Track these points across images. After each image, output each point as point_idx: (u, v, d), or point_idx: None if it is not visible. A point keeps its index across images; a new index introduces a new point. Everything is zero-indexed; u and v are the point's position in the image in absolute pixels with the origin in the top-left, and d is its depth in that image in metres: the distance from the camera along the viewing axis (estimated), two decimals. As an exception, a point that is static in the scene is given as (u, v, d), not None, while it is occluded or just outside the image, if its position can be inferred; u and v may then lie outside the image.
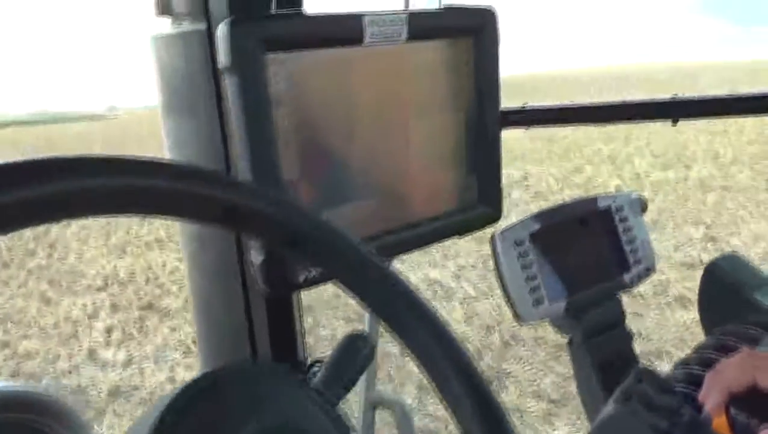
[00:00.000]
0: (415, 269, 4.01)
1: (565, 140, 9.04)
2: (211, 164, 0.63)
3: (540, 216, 0.84)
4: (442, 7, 0.67)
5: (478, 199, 0.76)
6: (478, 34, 0.70)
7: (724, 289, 0.88)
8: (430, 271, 4.05)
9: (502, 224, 0.80)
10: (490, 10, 0.70)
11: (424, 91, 0.68)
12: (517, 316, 0.81)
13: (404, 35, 0.63)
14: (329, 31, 0.59)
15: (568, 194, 5.99)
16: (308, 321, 3.43)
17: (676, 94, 0.90)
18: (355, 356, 0.44)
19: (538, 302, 0.82)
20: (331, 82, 0.60)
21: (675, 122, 0.90)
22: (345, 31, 0.60)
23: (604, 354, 0.87)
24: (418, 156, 0.69)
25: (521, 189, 6.31)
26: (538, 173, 7.11)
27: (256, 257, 0.58)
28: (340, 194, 0.63)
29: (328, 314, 3.49)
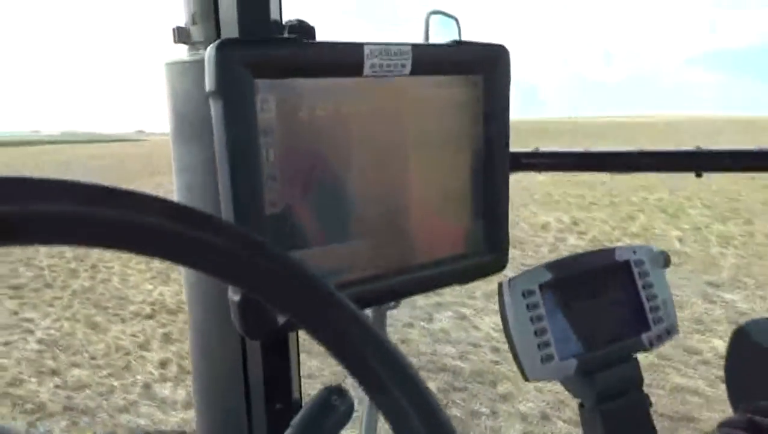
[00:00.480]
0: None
1: (604, 186, 8.94)
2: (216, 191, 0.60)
3: (553, 266, 0.78)
4: (451, 41, 0.64)
5: (484, 245, 0.71)
6: (488, 71, 0.66)
7: (754, 356, 0.80)
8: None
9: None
10: (502, 48, 0.67)
11: (429, 128, 0.64)
12: (524, 373, 0.75)
13: (408, 68, 0.60)
14: (326, 59, 0.55)
15: (627, 243, 5.76)
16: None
17: (699, 147, 0.85)
18: (328, 414, 0.39)
19: (547, 359, 0.75)
20: (326, 114, 0.57)
21: (699, 174, 0.84)
22: (343, 60, 0.56)
23: (618, 421, 0.79)
24: (420, 197, 0.64)
25: (575, 235, 6.14)
26: (586, 219, 6.96)
27: (232, 296, 0.54)
28: (331, 233, 0.59)
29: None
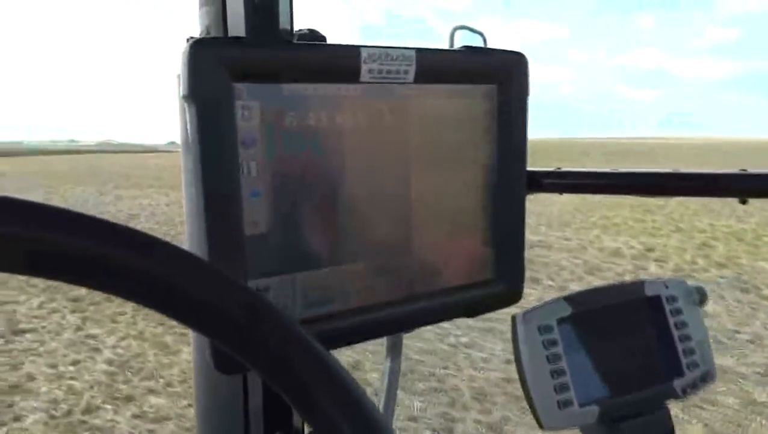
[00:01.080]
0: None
1: (662, 210, 8.69)
2: None
3: (573, 299, 0.70)
4: (462, 47, 0.58)
5: (496, 274, 0.63)
6: (503, 81, 0.59)
7: None
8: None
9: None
10: (519, 55, 0.60)
11: (435, 142, 0.57)
12: (539, 420, 0.67)
13: (411, 75, 0.53)
14: (317, 63, 0.49)
15: (716, 274, 5.54)
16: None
17: (744, 169, 0.77)
18: None
19: (565, 404, 0.67)
20: (318, 124, 0.50)
21: (744, 200, 0.75)
22: (337, 64, 0.50)
23: (645, 477, 0.71)
24: (423, 219, 0.58)
25: (653, 263, 5.82)
26: (657, 245, 6.66)
27: None
28: (322, 257, 0.53)
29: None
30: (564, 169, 0.77)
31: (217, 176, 0.46)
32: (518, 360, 0.67)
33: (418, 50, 0.53)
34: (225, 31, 0.61)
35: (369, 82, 0.52)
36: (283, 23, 0.65)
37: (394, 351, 0.76)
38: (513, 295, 0.64)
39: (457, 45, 1.06)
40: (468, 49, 0.57)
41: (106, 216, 0.28)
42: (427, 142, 0.56)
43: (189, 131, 0.45)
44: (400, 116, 0.55)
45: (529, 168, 0.79)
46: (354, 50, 0.50)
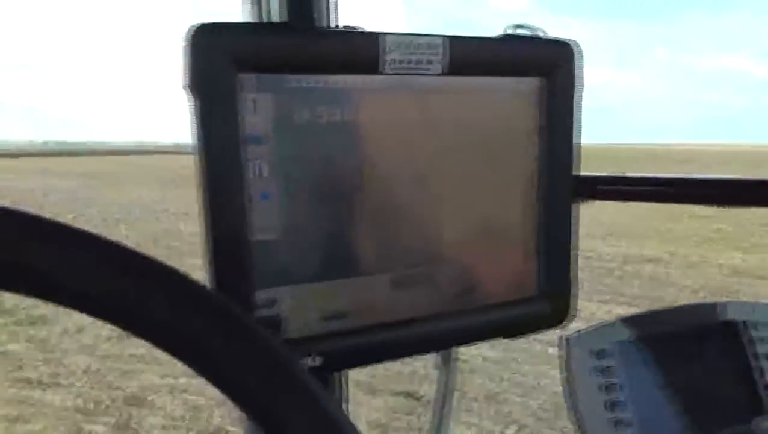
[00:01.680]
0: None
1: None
2: None
3: (633, 321, 0.62)
4: (502, 34, 0.51)
5: (539, 291, 0.56)
6: (550, 74, 0.53)
7: None
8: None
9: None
10: (570, 43, 0.53)
11: (468, 142, 0.51)
12: None
13: (440, 66, 0.48)
14: (332, 51, 0.45)
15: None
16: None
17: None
18: None
19: (622, 441, 0.59)
20: (335, 120, 0.46)
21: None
22: (355, 53, 0.46)
23: None
24: (454, 228, 0.52)
25: None
26: None
27: None
28: (336, 267, 0.48)
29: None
30: (622, 174, 0.69)
31: (221, 175, 0.42)
32: (567, 388, 0.60)
33: (448, 38, 0.48)
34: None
35: (391, 74, 0.47)
36: (321, 20, 0.61)
37: (447, 365, 0.70)
38: (559, 314, 0.57)
39: None
40: (508, 38, 0.51)
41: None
42: (459, 141, 0.51)
43: (192, 127, 0.42)
44: (427, 111, 0.49)
45: (582, 173, 0.72)
46: (373, 38, 0.45)
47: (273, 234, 0.45)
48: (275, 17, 0.53)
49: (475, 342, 0.56)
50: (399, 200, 0.49)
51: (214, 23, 0.41)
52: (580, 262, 0.58)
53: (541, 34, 0.94)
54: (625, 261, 6.15)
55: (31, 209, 0.21)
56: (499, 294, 0.55)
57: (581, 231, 0.56)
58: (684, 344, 0.62)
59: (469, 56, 0.49)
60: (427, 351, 0.52)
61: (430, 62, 0.48)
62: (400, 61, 0.47)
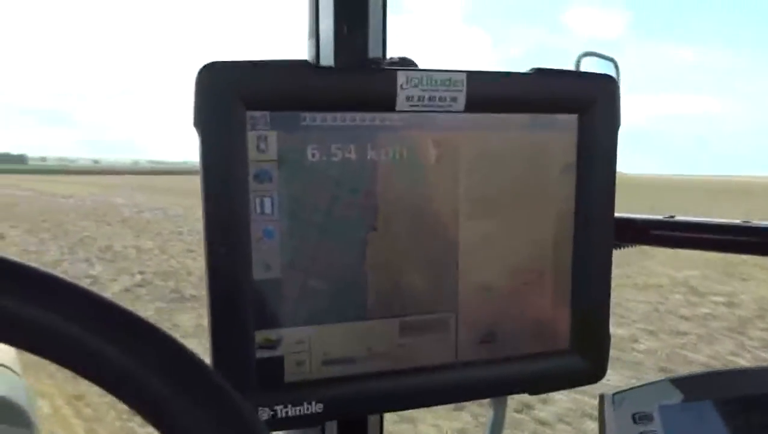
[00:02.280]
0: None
1: None
2: None
3: (684, 382, 0.56)
4: (532, 69, 0.48)
5: (571, 344, 0.52)
6: (586, 110, 0.49)
7: None
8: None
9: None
10: (608, 79, 0.49)
11: (491, 183, 0.48)
12: None
13: (461, 103, 0.45)
14: (344, 89, 0.43)
15: None
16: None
17: None
18: None
19: None
20: (346, 159, 0.44)
21: None
22: (368, 91, 0.44)
23: None
24: (474, 274, 0.48)
25: None
26: None
27: None
28: (342, 309, 0.46)
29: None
30: (679, 218, 0.63)
31: (225, 211, 0.42)
32: (602, 452, 0.55)
33: (471, 73, 0.45)
34: (317, 59, 0.56)
35: (408, 111, 0.45)
36: (373, 51, 0.60)
37: (498, 409, 0.67)
38: (593, 370, 0.52)
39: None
40: (538, 72, 0.47)
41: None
42: (481, 182, 0.48)
43: (199, 162, 0.41)
44: (447, 151, 0.46)
45: (633, 215, 0.66)
46: (389, 74, 0.43)
47: (276, 273, 0.44)
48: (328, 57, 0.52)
49: (498, 395, 0.52)
50: (414, 243, 0.47)
51: (224, 62, 0.41)
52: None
53: (612, 64, 0.88)
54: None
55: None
56: (525, 346, 0.51)
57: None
58: (744, 411, 0.55)
59: (494, 93, 0.46)
60: (438, 403, 0.49)
61: (452, 99, 0.45)
62: (419, 98, 0.44)
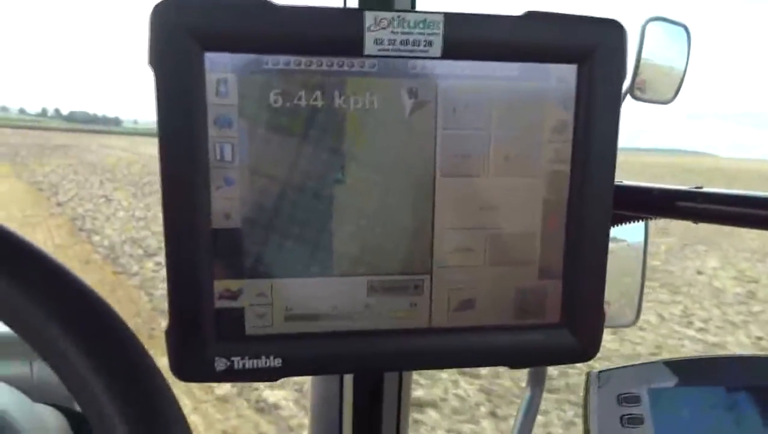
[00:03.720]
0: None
1: None
2: None
3: (678, 366, 0.51)
4: (524, 12, 0.43)
5: (562, 318, 0.48)
6: (587, 61, 0.44)
7: None
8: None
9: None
10: (612, 24, 0.44)
11: (474, 139, 0.44)
12: None
13: (438, 48, 0.42)
14: (308, 30, 0.41)
15: None
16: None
17: None
18: None
19: None
20: (310, 105, 0.42)
21: None
22: (333, 33, 0.41)
23: None
24: (451, 235, 0.45)
25: None
26: None
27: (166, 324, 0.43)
28: (307, 263, 0.44)
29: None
30: (707, 189, 0.57)
31: (183, 157, 0.40)
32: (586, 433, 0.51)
33: (449, 15, 0.41)
34: None
35: (377, 56, 0.41)
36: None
37: (536, 381, 0.65)
38: (583, 348, 0.48)
39: (652, 41, 0.85)
40: (530, 16, 0.43)
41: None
42: (461, 137, 0.44)
43: (155, 105, 0.40)
44: (423, 101, 0.43)
45: (659, 185, 0.60)
46: (356, 14, 0.40)
47: (236, 223, 0.42)
48: None
49: (474, 366, 0.49)
50: (385, 199, 0.44)
51: (179, 0, 0.39)
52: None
53: (683, 30, 0.80)
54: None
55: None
56: (507, 317, 0.47)
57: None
58: (740, 400, 0.49)
59: (476, 38, 0.42)
60: (405, 369, 0.46)
61: (428, 43, 0.42)
62: (390, 42, 0.41)
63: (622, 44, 0.43)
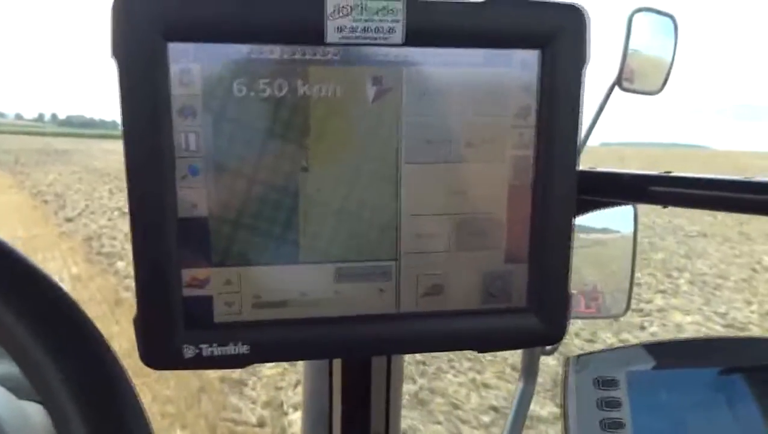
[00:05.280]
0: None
1: None
2: None
3: (656, 349, 0.52)
4: None
5: (528, 302, 0.48)
6: (549, 46, 0.44)
7: None
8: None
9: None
10: (574, 9, 0.44)
11: (436, 126, 0.45)
12: None
13: (399, 35, 0.42)
14: (269, 19, 0.41)
15: None
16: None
17: None
18: None
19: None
20: (274, 94, 0.42)
21: None
22: (295, 21, 0.41)
23: None
24: (416, 221, 0.46)
25: None
26: None
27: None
28: (273, 251, 0.45)
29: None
30: (677, 174, 0.57)
31: (147, 146, 0.41)
32: (564, 419, 0.52)
33: (411, 1, 0.41)
34: None
35: (339, 44, 0.42)
36: None
37: (529, 370, 0.66)
38: (549, 331, 0.48)
39: (639, 32, 0.85)
40: (494, 1, 0.43)
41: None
42: (425, 124, 0.44)
43: (118, 96, 0.41)
44: (386, 88, 0.43)
45: (632, 171, 0.61)
46: (317, 2, 0.41)
47: (202, 212, 0.43)
48: None
49: (441, 350, 0.50)
50: (351, 186, 0.44)
51: None
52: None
53: (670, 20, 0.80)
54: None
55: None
56: (474, 301, 0.48)
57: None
58: (718, 382, 0.50)
59: (438, 24, 0.42)
60: (374, 354, 0.47)
61: (390, 30, 0.42)
62: (351, 29, 0.41)
63: (583, 28, 0.44)
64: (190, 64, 0.41)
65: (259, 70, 0.42)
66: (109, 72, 0.41)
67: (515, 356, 3.14)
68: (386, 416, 0.78)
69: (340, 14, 0.41)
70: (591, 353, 0.52)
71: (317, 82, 0.42)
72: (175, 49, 0.40)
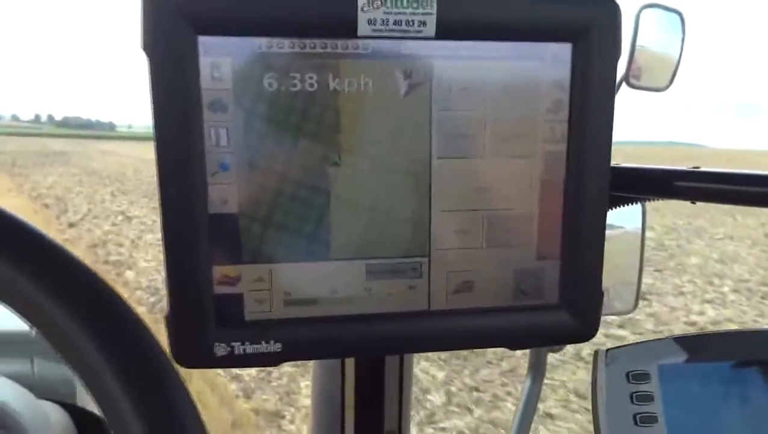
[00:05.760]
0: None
1: None
2: None
3: (688, 342, 0.51)
4: None
5: (560, 299, 0.48)
6: (582, 40, 0.44)
7: None
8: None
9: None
10: (608, 2, 0.43)
11: (469, 121, 0.44)
12: None
13: (432, 28, 0.41)
14: (301, 13, 0.40)
15: None
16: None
17: None
18: None
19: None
20: (305, 89, 0.42)
21: None
22: (326, 14, 0.41)
23: None
24: (448, 217, 0.45)
25: None
26: None
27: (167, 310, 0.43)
28: (304, 248, 0.44)
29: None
30: (704, 169, 0.57)
31: (178, 142, 0.40)
32: (595, 412, 0.51)
33: None
34: None
35: (371, 37, 0.41)
36: None
37: (537, 368, 0.65)
38: (582, 329, 0.48)
39: (646, 28, 0.85)
40: None
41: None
42: (456, 118, 0.44)
43: (150, 91, 0.40)
44: (418, 82, 0.43)
45: (656, 166, 0.60)
46: None
47: (233, 208, 0.42)
48: None
49: (473, 347, 0.49)
50: (382, 181, 0.44)
51: None
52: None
53: (678, 17, 0.79)
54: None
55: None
56: (506, 298, 0.47)
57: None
58: (752, 376, 0.49)
59: (471, 17, 0.42)
60: (406, 352, 0.47)
61: (422, 23, 0.41)
62: (383, 22, 0.41)
63: (617, 22, 0.43)
64: (221, 57, 0.40)
65: (289, 64, 0.41)
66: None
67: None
68: (399, 415, 0.78)
69: (373, 6, 0.40)
70: (620, 347, 0.52)
71: (348, 77, 0.42)
72: (205, 42, 0.40)
